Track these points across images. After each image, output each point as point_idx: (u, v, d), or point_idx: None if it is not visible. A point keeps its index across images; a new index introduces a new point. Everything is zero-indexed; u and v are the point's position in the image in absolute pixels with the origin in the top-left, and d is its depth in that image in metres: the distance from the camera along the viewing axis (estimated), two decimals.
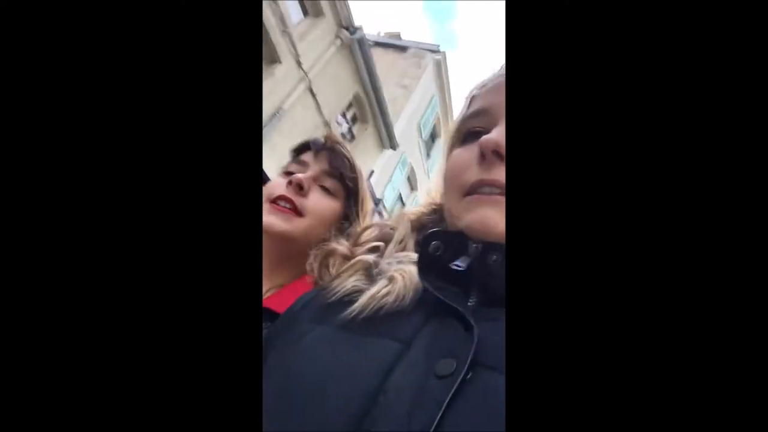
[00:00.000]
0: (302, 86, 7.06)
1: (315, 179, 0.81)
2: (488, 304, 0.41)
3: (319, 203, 0.79)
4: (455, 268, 0.42)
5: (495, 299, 0.39)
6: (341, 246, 0.54)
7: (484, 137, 0.44)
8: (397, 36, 13.17)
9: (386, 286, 0.43)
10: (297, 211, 0.77)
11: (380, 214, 6.31)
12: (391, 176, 10.40)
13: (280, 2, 6.44)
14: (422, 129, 11.94)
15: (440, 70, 12.16)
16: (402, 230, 0.53)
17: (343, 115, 8.68)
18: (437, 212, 0.55)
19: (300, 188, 0.78)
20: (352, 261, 0.50)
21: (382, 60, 10.26)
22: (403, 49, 11.92)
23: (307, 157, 0.85)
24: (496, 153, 0.43)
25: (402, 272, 0.44)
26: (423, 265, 0.44)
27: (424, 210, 0.57)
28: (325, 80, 7.63)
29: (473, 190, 0.44)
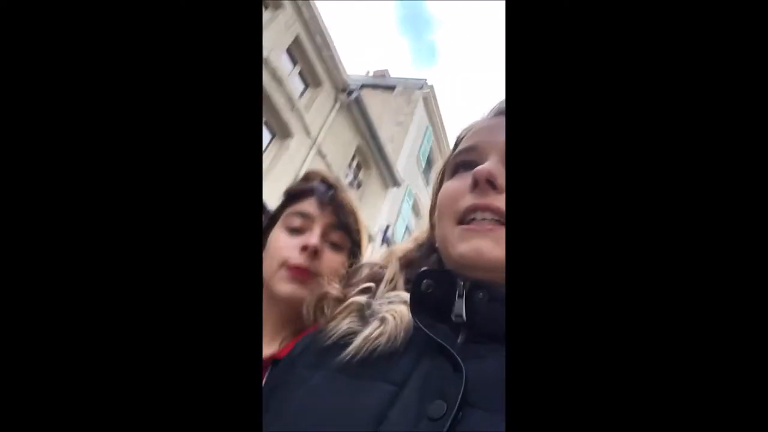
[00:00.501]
0: (313, 152, 7.94)
1: (324, 236, 0.83)
2: (476, 341, 0.42)
3: (331, 263, 0.82)
4: (457, 320, 0.44)
5: (482, 336, 0.42)
6: (333, 289, 0.56)
7: (478, 167, 0.46)
8: (385, 73, 14.08)
9: (378, 327, 0.45)
10: (312, 275, 0.81)
11: None
12: (400, 210, 11.18)
13: (284, 81, 7.33)
14: (421, 159, 12.74)
15: (429, 103, 13.01)
16: (392, 269, 0.54)
17: (349, 166, 9.53)
18: (424, 248, 0.57)
19: (315, 253, 0.81)
20: (346, 303, 0.52)
21: (374, 101, 11.10)
22: (391, 88, 12.77)
23: (310, 206, 0.85)
24: (489, 182, 0.45)
25: (393, 313, 0.46)
26: (415, 303, 0.46)
27: (412, 246, 0.59)
28: (330, 141, 8.55)
29: (467, 215, 0.46)
